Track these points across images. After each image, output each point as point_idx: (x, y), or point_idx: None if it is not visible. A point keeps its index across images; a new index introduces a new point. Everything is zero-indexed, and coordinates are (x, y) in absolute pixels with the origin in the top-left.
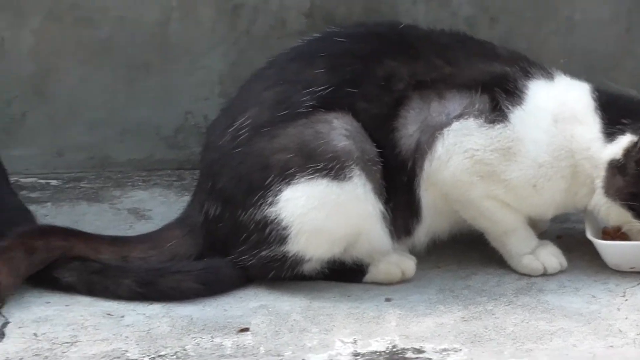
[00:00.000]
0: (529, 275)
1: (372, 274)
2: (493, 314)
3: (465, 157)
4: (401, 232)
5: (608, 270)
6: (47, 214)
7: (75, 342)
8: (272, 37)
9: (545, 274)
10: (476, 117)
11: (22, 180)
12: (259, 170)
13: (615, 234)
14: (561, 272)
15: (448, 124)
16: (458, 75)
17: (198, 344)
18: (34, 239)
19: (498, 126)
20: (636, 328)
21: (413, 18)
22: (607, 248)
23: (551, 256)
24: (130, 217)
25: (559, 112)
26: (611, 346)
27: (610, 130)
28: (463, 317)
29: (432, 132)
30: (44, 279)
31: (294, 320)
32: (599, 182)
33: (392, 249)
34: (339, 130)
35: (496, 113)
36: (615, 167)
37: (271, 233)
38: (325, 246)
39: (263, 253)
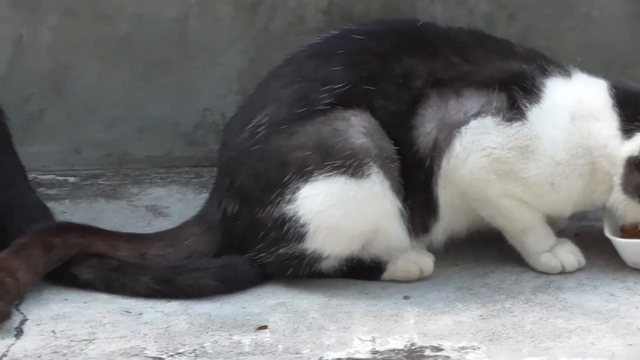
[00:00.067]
0: (547, 273)
1: (390, 271)
2: (511, 312)
3: (483, 155)
4: (419, 230)
5: (626, 268)
6: (65, 211)
7: (94, 340)
8: (290, 34)
9: (563, 272)
10: (494, 115)
11: (40, 177)
12: (276, 167)
13: (634, 231)
14: (579, 270)
15: (466, 122)
16: (476, 73)
17: (216, 342)
18: (52, 236)
19: (516, 124)
20: None
21: (431, 15)
22: (626, 246)
23: (569, 254)
24: (148, 214)
25: (576, 109)
26: (630, 344)
27: (628, 127)
28: (481, 315)
29: (450, 130)
30: (62, 276)
31: (312, 318)
32: (617, 180)
33: (410, 246)
34: (357, 128)
35: (514, 111)
36: (633, 164)
37: (289, 230)
38: (343, 244)
39: (281, 250)
